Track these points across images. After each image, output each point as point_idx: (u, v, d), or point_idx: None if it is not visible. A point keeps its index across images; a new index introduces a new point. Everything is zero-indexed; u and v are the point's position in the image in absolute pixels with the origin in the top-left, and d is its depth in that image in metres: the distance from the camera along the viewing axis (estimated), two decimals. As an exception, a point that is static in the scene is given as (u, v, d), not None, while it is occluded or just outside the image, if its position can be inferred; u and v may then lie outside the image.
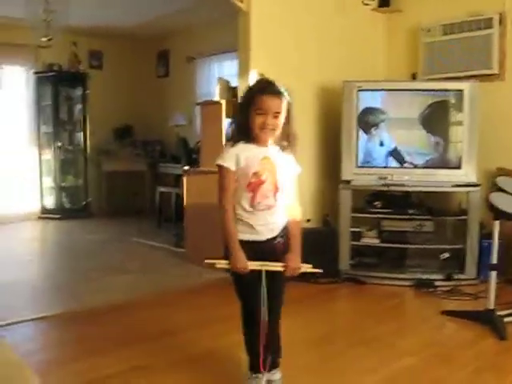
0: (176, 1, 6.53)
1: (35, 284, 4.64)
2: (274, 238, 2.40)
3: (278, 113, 2.28)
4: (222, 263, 2.33)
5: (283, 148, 2.37)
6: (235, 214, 2.35)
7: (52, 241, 7.01)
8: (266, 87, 2.32)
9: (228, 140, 2.38)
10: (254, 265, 2.32)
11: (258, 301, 2.37)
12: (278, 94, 2.28)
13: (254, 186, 2.31)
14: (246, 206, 2.33)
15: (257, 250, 2.34)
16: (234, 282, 2.44)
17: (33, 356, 3.03)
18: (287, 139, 2.37)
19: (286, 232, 2.43)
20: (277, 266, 2.35)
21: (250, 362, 2.49)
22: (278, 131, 2.31)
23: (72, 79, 8.39)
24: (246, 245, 2.34)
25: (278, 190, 2.36)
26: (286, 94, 2.31)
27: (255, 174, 2.31)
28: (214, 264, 2.34)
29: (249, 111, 2.28)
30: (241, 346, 2.51)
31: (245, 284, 2.39)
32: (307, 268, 2.42)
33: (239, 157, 2.30)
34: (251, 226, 2.35)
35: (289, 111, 2.33)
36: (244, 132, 2.32)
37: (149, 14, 7.30)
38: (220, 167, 2.33)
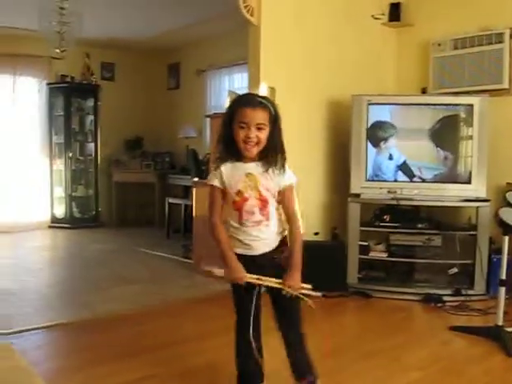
0: (187, 14, 6.60)
1: (45, 292, 4.66)
2: (271, 253, 2.37)
3: (261, 124, 2.22)
4: (218, 271, 2.33)
5: (271, 162, 2.29)
6: (227, 229, 2.36)
7: (62, 250, 7.05)
8: (247, 100, 2.29)
9: (216, 158, 2.36)
10: (251, 278, 2.31)
11: (248, 316, 2.37)
12: (259, 105, 2.23)
13: (239, 205, 2.30)
14: (235, 223, 2.34)
15: (251, 264, 2.32)
16: (232, 294, 2.45)
17: (42, 364, 3.05)
18: (275, 151, 2.29)
19: (285, 247, 2.40)
20: (275, 282, 2.32)
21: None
22: (263, 144, 2.26)
23: (84, 90, 8.48)
24: (240, 258, 2.34)
25: (267, 204, 2.32)
26: (270, 106, 2.26)
27: (238, 192, 2.29)
28: (211, 271, 2.35)
29: (232, 125, 2.24)
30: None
31: (240, 297, 2.40)
32: (307, 289, 2.38)
33: (223, 176, 2.30)
34: (241, 241, 2.34)
35: (276, 123, 2.27)
36: (230, 148, 2.29)
37: (160, 27, 7.37)
38: (210, 186, 2.36)
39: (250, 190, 2.29)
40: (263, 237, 2.34)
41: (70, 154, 8.30)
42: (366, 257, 4.77)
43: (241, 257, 2.34)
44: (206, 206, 2.40)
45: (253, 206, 2.30)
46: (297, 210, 2.39)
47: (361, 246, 4.73)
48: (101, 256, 6.29)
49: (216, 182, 2.32)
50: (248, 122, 2.20)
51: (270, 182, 2.30)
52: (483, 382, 2.93)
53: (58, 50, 6.18)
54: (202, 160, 6.84)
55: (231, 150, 2.29)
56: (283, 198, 2.35)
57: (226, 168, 2.31)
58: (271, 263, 2.36)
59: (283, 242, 2.42)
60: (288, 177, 2.34)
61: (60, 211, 8.36)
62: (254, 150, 2.26)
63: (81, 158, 8.49)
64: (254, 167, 2.30)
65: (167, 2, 6.22)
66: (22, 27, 7.04)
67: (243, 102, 2.27)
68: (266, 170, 2.29)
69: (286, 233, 2.42)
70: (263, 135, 2.24)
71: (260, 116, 2.21)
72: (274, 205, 2.35)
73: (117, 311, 4.05)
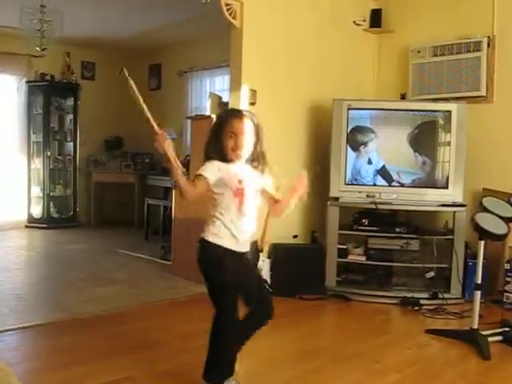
0: (168, 15, 6.58)
1: (21, 293, 4.60)
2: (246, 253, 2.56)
3: (247, 133, 2.46)
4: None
5: (254, 167, 2.53)
6: (219, 222, 2.48)
7: (39, 250, 6.96)
8: (233, 112, 2.56)
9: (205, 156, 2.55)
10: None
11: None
12: (244, 116, 2.47)
13: (241, 191, 2.45)
14: (233, 212, 2.46)
15: (237, 260, 2.49)
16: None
17: (18, 365, 3.01)
18: (258, 159, 2.53)
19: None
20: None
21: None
22: (248, 152, 2.49)
23: (64, 89, 8.41)
24: (229, 253, 2.48)
25: (248, 200, 2.49)
26: (253, 118, 2.50)
27: (240, 181, 2.45)
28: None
29: (221, 135, 2.46)
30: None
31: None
32: None
33: (220, 169, 2.45)
34: (234, 236, 2.48)
35: (258, 133, 2.50)
36: (219, 154, 2.48)
37: (142, 26, 7.34)
38: (198, 176, 2.45)
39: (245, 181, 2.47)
40: (246, 229, 2.51)
41: (49, 153, 8.22)
42: (344, 260, 4.81)
43: (230, 252, 2.48)
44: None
45: (250, 195, 2.49)
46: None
47: (339, 249, 4.76)
48: (78, 257, 6.24)
49: (209, 175, 2.44)
50: (236, 131, 2.43)
51: (254, 181, 2.51)
52: (459, 384, 2.97)
53: (38, 48, 6.14)
54: (182, 161, 6.81)
55: (219, 155, 2.47)
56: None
57: (219, 163, 2.47)
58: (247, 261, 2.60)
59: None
60: (266, 180, 2.58)
61: (37, 211, 8.27)
62: (240, 156, 2.47)
63: (59, 157, 8.42)
64: (241, 166, 2.51)
65: (149, 2, 6.20)
66: (1, 25, 6.96)
67: (231, 114, 2.53)
68: (251, 171, 2.52)
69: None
70: (249, 143, 2.47)
71: (246, 126, 2.45)
72: (255, 204, 2.54)
73: (95, 312, 4.02)
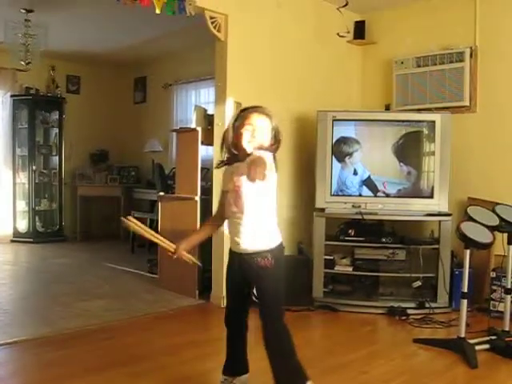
0: (153, 28, 6.59)
1: (7, 308, 4.56)
2: (254, 254, 2.49)
3: (264, 127, 2.46)
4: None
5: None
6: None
7: (24, 264, 6.91)
8: (253, 106, 2.55)
9: (219, 162, 2.59)
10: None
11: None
12: (263, 113, 2.50)
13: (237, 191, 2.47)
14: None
15: (235, 260, 2.54)
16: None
17: (4, 381, 2.98)
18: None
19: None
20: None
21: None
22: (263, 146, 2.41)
23: (49, 103, 8.39)
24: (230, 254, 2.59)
25: (240, 193, 2.42)
26: (272, 118, 2.52)
27: (227, 191, 2.51)
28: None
29: (238, 128, 2.45)
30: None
31: None
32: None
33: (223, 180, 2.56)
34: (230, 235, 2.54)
35: (276, 135, 2.54)
36: (230, 153, 2.48)
37: (127, 40, 7.35)
38: (224, 192, 2.57)
39: (231, 184, 2.46)
40: (242, 230, 2.47)
41: (34, 167, 8.18)
42: (331, 271, 4.81)
43: (231, 252, 2.57)
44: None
45: (230, 198, 2.47)
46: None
47: (326, 260, 4.76)
48: (64, 271, 6.20)
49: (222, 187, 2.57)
50: (253, 124, 2.43)
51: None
52: (446, 393, 2.98)
53: (22, 62, 6.13)
54: (167, 174, 6.82)
55: (231, 155, 2.50)
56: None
57: (224, 172, 2.57)
58: (251, 264, 2.49)
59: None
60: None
61: (23, 225, 8.21)
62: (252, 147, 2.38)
63: (45, 171, 8.39)
64: (238, 165, 2.43)
65: (133, 16, 6.21)
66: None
67: (251, 107, 2.53)
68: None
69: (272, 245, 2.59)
70: (264, 137, 2.45)
71: (264, 121, 2.48)
72: (253, 200, 2.43)
73: (81, 327, 3.99)
